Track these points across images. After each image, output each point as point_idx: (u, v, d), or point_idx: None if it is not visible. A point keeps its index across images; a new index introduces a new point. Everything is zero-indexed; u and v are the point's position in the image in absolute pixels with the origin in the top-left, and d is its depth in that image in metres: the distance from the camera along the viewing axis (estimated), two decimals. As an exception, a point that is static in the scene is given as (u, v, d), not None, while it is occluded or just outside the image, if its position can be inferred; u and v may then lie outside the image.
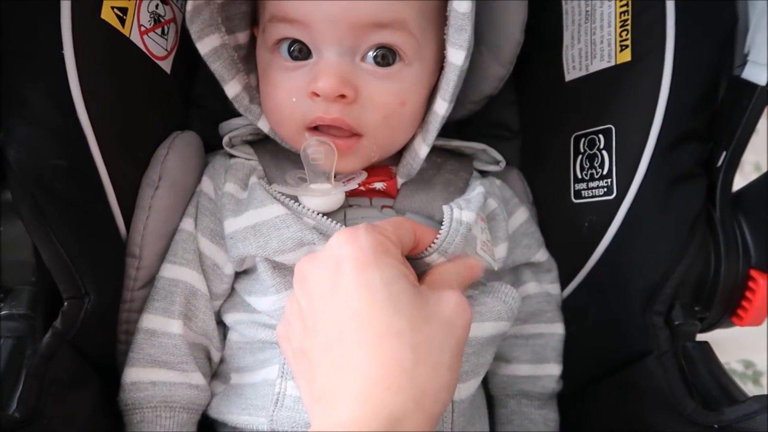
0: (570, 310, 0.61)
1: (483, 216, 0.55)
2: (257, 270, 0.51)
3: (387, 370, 0.34)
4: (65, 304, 0.45)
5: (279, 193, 0.52)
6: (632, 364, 0.54)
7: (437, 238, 0.46)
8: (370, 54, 0.49)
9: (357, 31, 0.48)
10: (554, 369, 0.60)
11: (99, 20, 0.47)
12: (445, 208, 0.49)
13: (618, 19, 0.57)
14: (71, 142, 0.46)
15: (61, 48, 0.44)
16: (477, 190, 0.55)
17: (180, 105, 0.63)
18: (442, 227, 0.47)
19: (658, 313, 0.53)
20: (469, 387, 0.48)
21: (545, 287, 0.62)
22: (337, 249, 0.40)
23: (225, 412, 0.51)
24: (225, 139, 0.57)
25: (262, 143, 0.59)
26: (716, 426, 0.46)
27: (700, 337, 0.56)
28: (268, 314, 0.51)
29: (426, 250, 0.46)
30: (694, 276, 0.54)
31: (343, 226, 0.50)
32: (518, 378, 0.60)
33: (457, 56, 0.50)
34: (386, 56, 0.50)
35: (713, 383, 0.50)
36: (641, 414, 0.53)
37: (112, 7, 0.48)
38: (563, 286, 0.62)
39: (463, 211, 0.48)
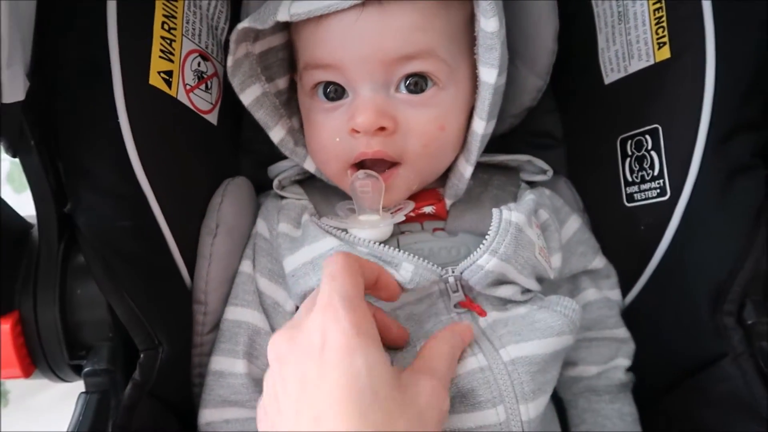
0: (636, 316, 0.60)
1: (538, 222, 0.55)
2: None
3: None
4: (141, 356, 0.48)
5: (330, 226, 0.53)
6: (707, 368, 0.53)
7: (486, 238, 0.48)
8: (403, 84, 0.51)
9: (387, 66, 0.49)
10: (622, 362, 0.59)
11: (148, 86, 0.50)
12: (494, 211, 0.50)
13: (652, 17, 0.55)
14: (133, 204, 0.49)
15: (117, 117, 0.48)
16: (528, 197, 0.56)
17: (229, 152, 0.66)
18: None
19: (728, 313, 0.51)
20: (538, 406, 0.47)
21: (605, 293, 0.61)
22: (320, 333, 0.38)
23: None
24: (275, 182, 0.59)
25: (311, 181, 0.61)
26: (803, 428, 0.44)
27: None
28: None
29: (477, 251, 0.49)
30: (763, 271, 0.52)
31: (398, 251, 0.51)
32: (584, 378, 0.59)
33: (489, 75, 0.51)
34: (418, 83, 0.51)
35: (795, 383, 0.47)
36: (719, 418, 0.51)
37: (159, 72, 0.52)
38: (625, 292, 0.60)
39: (512, 212, 0.49)
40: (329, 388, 0.36)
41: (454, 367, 0.45)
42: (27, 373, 0.47)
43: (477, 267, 0.49)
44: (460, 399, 0.46)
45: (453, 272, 0.50)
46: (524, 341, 0.48)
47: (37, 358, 0.48)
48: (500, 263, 0.49)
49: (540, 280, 0.54)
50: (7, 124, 0.43)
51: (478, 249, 0.49)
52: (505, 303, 0.53)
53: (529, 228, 0.51)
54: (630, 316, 0.61)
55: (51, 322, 0.47)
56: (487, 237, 0.49)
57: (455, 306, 0.51)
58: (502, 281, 0.51)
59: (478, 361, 0.47)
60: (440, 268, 0.50)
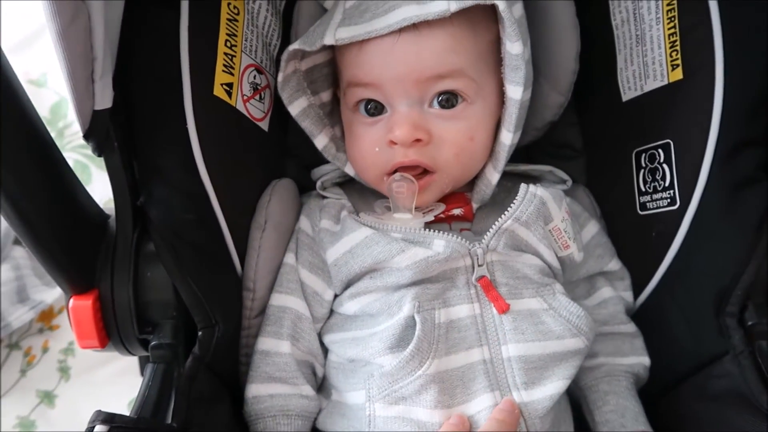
0: (645, 317, 0.64)
1: (568, 210, 0.61)
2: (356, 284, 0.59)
3: None
4: (200, 333, 0.54)
5: (367, 220, 0.59)
6: (709, 366, 0.57)
7: (512, 206, 0.55)
8: (436, 100, 0.57)
9: (421, 84, 0.56)
10: (644, 360, 0.63)
11: (213, 96, 0.57)
12: (522, 185, 0.57)
13: (667, 41, 0.60)
14: (197, 199, 0.56)
15: (186, 123, 0.54)
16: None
17: (277, 156, 0.72)
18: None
19: (730, 314, 0.56)
20: (533, 393, 0.53)
21: (620, 293, 0.65)
22: None
23: (329, 427, 0.58)
24: (318, 184, 0.66)
25: (350, 183, 0.67)
26: (794, 420, 0.48)
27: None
28: (356, 319, 0.59)
29: (501, 217, 0.56)
30: (765, 276, 0.56)
31: (428, 230, 0.57)
32: (604, 365, 0.63)
33: (515, 92, 0.57)
34: (450, 99, 0.57)
35: (790, 379, 0.52)
36: (720, 414, 0.55)
37: (221, 84, 0.58)
38: (637, 294, 0.65)
39: (538, 188, 0.56)
40: None
41: None
42: (103, 344, 0.54)
43: (502, 231, 0.56)
44: (461, 386, 0.53)
45: (480, 244, 0.56)
46: (525, 341, 0.54)
47: (111, 331, 0.54)
48: (523, 229, 0.56)
49: (560, 261, 0.60)
50: (97, 128, 0.49)
51: (502, 216, 0.56)
52: (521, 288, 0.57)
53: (554, 204, 0.57)
54: (640, 316, 0.65)
55: (125, 300, 0.53)
56: (512, 205, 0.56)
57: (476, 281, 0.56)
58: (523, 249, 0.57)
59: (482, 353, 0.54)
60: (468, 242, 0.56)
